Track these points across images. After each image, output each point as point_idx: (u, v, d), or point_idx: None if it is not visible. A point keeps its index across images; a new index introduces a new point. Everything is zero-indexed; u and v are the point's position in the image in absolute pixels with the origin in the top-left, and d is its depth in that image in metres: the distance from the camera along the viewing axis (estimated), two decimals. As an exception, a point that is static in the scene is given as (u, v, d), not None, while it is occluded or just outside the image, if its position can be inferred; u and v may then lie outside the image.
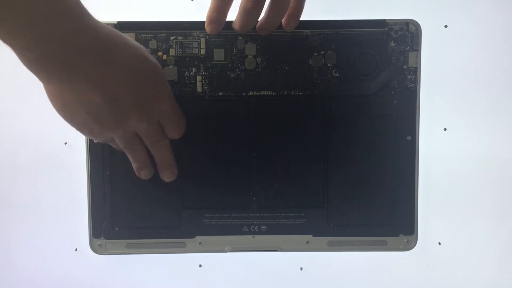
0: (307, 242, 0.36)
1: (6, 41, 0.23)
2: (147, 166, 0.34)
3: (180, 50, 0.35)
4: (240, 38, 0.35)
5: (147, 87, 0.29)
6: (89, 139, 0.35)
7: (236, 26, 0.33)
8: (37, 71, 0.26)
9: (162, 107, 0.31)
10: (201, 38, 0.35)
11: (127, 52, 0.28)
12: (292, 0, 0.32)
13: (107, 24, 0.34)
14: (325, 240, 0.36)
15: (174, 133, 0.33)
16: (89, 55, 0.26)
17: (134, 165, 0.34)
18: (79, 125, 0.29)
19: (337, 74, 0.35)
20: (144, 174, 0.34)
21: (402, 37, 0.35)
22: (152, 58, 0.31)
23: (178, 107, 0.33)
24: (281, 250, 0.37)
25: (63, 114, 0.28)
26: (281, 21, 0.33)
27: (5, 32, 0.23)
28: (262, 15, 0.32)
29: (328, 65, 0.35)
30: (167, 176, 0.35)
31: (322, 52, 0.35)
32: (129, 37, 0.30)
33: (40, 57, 0.24)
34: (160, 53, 0.35)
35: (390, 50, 0.35)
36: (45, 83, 0.27)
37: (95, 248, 0.36)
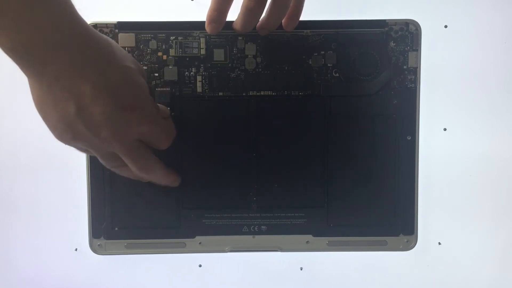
0: (307, 242, 0.36)
1: None
2: (139, 178, 0.33)
3: (180, 50, 0.35)
4: (240, 38, 0.35)
5: (125, 110, 0.27)
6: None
7: (237, 26, 0.32)
8: (20, 65, 0.25)
9: (140, 129, 0.29)
10: (201, 38, 0.35)
11: (113, 72, 0.27)
12: (293, 0, 0.32)
13: (108, 23, 0.34)
14: (325, 240, 0.36)
15: (159, 146, 0.32)
16: (72, 67, 0.25)
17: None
18: (51, 126, 0.28)
19: (337, 74, 0.35)
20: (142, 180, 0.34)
21: (402, 37, 0.35)
22: (140, 80, 0.29)
23: (166, 122, 0.32)
24: (281, 250, 0.37)
25: (38, 110, 0.27)
26: (281, 21, 0.33)
27: None
28: (263, 15, 0.32)
29: (328, 65, 0.35)
30: (171, 184, 0.34)
31: (322, 52, 0.35)
32: (127, 54, 0.29)
33: (23, 56, 0.24)
34: (160, 53, 0.35)
35: (390, 50, 0.35)
36: (27, 76, 0.26)
37: (95, 248, 0.36)
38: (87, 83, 0.25)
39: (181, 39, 0.35)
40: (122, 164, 0.31)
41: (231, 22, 0.33)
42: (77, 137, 0.27)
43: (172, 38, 0.35)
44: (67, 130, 0.27)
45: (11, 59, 0.24)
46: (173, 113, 0.35)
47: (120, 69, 0.27)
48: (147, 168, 0.32)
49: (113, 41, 0.29)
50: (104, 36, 0.28)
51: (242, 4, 0.31)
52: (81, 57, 0.25)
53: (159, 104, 0.33)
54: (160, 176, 0.33)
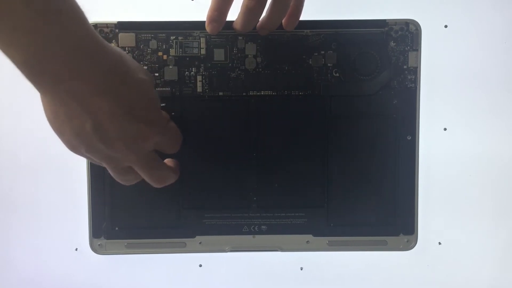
0: (307, 242, 0.36)
1: (3, 51, 0.23)
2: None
3: (180, 50, 0.35)
4: (240, 38, 0.35)
5: (141, 124, 0.27)
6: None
7: (237, 26, 0.32)
8: (33, 81, 0.24)
9: (154, 141, 0.29)
10: (201, 38, 0.35)
11: (129, 88, 0.26)
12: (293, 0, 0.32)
13: (108, 23, 0.34)
14: (325, 240, 0.36)
15: (171, 152, 0.33)
16: (89, 84, 0.24)
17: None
18: (65, 141, 0.27)
19: (337, 74, 0.35)
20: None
21: (402, 37, 0.35)
22: (153, 92, 0.29)
23: (172, 128, 0.32)
24: (281, 250, 0.37)
25: (51, 124, 0.27)
26: (281, 21, 0.33)
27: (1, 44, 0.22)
28: (263, 14, 0.32)
29: (328, 65, 0.35)
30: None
31: (322, 52, 0.35)
32: (139, 66, 0.29)
33: (37, 72, 0.23)
34: (160, 53, 0.35)
35: (390, 50, 0.35)
36: (40, 92, 0.26)
37: (95, 248, 0.36)
38: (103, 100, 0.25)
39: (181, 39, 0.35)
40: (135, 178, 0.31)
41: (231, 22, 0.33)
42: (91, 150, 0.27)
43: (172, 38, 0.35)
44: (82, 145, 0.27)
45: (24, 75, 0.24)
46: (173, 113, 0.35)
47: (135, 83, 0.27)
48: (162, 179, 0.32)
49: (125, 54, 0.28)
50: (117, 49, 0.27)
51: (242, 3, 0.31)
52: (98, 74, 0.24)
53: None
54: (171, 182, 0.33)
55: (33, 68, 0.23)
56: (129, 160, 0.29)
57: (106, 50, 0.25)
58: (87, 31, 0.24)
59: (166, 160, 0.34)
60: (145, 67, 0.35)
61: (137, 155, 0.28)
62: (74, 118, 0.25)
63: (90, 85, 0.24)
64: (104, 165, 0.29)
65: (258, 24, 0.33)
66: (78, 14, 0.24)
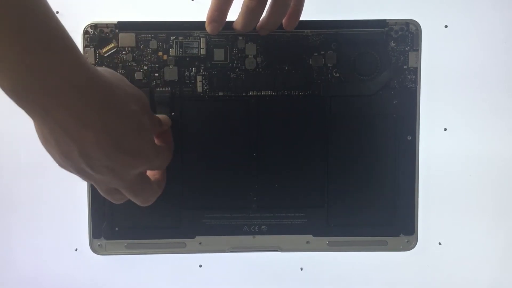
0: (307, 242, 0.36)
1: None
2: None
3: (180, 50, 0.35)
4: (240, 38, 0.35)
5: (128, 155, 0.27)
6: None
7: (238, 26, 0.32)
8: (21, 107, 0.24)
9: (142, 168, 0.30)
10: (201, 38, 0.35)
11: (116, 121, 0.26)
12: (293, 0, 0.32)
13: (108, 23, 0.34)
14: (325, 240, 0.36)
15: (158, 169, 0.33)
16: (74, 116, 0.24)
17: None
18: (55, 160, 0.28)
19: (337, 74, 0.35)
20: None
21: (402, 37, 0.35)
22: (143, 123, 0.28)
23: (163, 153, 0.32)
24: (281, 250, 0.37)
25: (42, 144, 0.27)
26: (282, 21, 0.33)
27: None
28: (263, 14, 0.32)
29: (328, 65, 0.35)
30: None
31: (322, 52, 0.35)
32: (132, 93, 0.28)
33: (23, 100, 0.23)
34: (160, 53, 0.35)
35: (390, 50, 0.35)
36: (30, 116, 0.26)
37: (95, 249, 0.36)
38: (89, 131, 0.25)
39: (181, 39, 0.35)
40: (124, 197, 0.31)
41: (231, 22, 0.33)
42: (79, 173, 0.28)
43: (172, 38, 0.35)
44: (71, 167, 0.27)
45: (13, 100, 0.24)
46: (173, 113, 0.35)
47: (124, 115, 0.27)
48: (149, 200, 0.32)
49: (117, 83, 0.27)
50: (108, 80, 0.26)
51: (243, 3, 0.31)
52: (84, 106, 0.24)
53: (159, 115, 0.33)
54: (159, 192, 0.34)
55: (20, 96, 0.23)
56: (116, 184, 0.29)
57: (96, 83, 0.25)
58: (77, 62, 0.24)
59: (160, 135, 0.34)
60: (145, 67, 0.35)
61: (124, 181, 0.29)
62: (62, 144, 0.25)
63: (77, 117, 0.24)
64: (94, 185, 0.30)
65: (258, 24, 0.33)
66: (69, 48, 0.23)
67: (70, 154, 0.26)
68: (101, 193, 0.31)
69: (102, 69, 0.28)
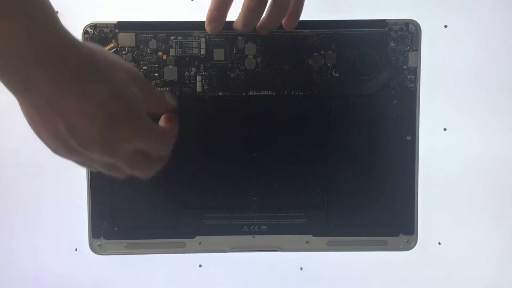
0: (307, 242, 0.36)
1: None
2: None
3: (180, 50, 0.35)
4: (240, 38, 0.35)
5: (115, 125, 0.26)
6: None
7: (238, 26, 0.32)
8: (4, 83, 0.24)
9: (134, 143, 0.28)
10: (201, 38, 0.35)
11: (99, 87, 0.26)
12: None
13: (108, 23, 0.34)
14: (325, 240, 0.36)
15: (158, 153, 0.31)
16: (56, 85, 0.24)
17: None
18: (46, 143, 0.27)
19: (337, 74, 0.35)
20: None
21: (402, 37, 0.35)
22: (131, 93, 0.27)
23: (159, 131, 0.31)
24: (281, 250, 0.37)
25: (31, 127, 0.27)
26: (282, 21, 0.33)
27: None
28: (263, 14, 0.32)
29: (328, 65, 0.35)
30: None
31: (322, 52, 0.35)
32: (119, 63, 0.28)
33: (5, 74, 0.24)
34: (160, 53, 0.35)
35: (390, 50, 0.35)
36: (15, 96, 0.26)
37: (95, 248, 0.36)
38: (71, 99, 0.25)
39: (181, 39, 0.35)
40: (124, 172, 0.31)
41: (231, 22, 0.33)
42: (72, 153, 0.27)
43: (172, 38, 0.35)
44: (62, 147, 0.27)
45: None
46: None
47: (108, 83, 0.26)
48: (149, 173, 0.31)
49: (102, 50, 0.27)
50: (92, 45, 0.26)
51: (243, 3, 0.31)
52: (64, 74, 0.24)
53: (166, 94, 0.33)
54: (159, 167, 0.32)
55: (0, 71, 0.23)
56: (110, 161, 0.28)
57: (76, 52, 0.25)
58: (55, 30, 0.24)
59: (163, 117, 0.33)
60: (145, 67, 0.35)
61: (117, 158, 0.28)
62: (48, 121, 0.25)
63: (57, 85, 0.24)
64: (91, 165, 0.29)
65: (258, 24, 0.33)
66: (49, 17, 0.24)
67: (58, 131, 0.25)
68: (102, 171, 0.30)
69: (90, 44, 0.28)
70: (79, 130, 0.25)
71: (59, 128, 0.25)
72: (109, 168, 0.30)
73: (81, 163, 0.29)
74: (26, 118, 0.26)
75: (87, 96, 0.25)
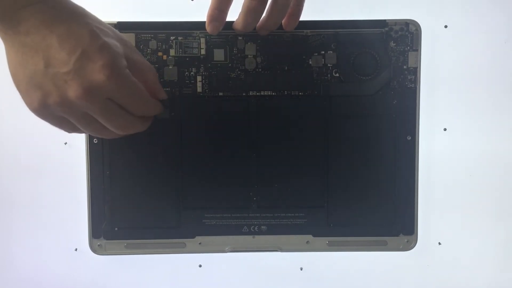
0: (307, 242, 0.36)
1: None
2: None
3: (180, 50, 0.35)
4: (240, 38, 0.35)
5: (90, 60, 0.27)
6: (89, 140, 0.35)
7: (238, 26, 0.32)
8: None
9: (107, 87, 0.28)
10: (201, 38, 0.35)
11: (81, 28, 0.27)
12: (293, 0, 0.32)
13: (108, 23, 0.34)
14: (325, 240, 0.36)
15: (131, 110, 0.31)
16: (43, 22, 0.26)
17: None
18: (23, 92, 0.28)
19: (337, 74, 0.35)
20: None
21: (402, 37, 0.35)
22: (110, 41, 0.28)
23: (137, 85, 0.30)
24: (281, 250, 0.37)
25: (12, 77, 0.28)
26: (282, 21, 0.33)
27: None
28: (263, 15, 0.32)
29: (328, 65, 0.35)
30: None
31: (322, 52, 0.35)
32: (102, 22, 0.29)
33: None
34: (160, 53, 0.35)
35: (390, 50, 0.35)
36: (4, 41, 0.28)
37: (95, 249, 0.36)
38: (53, 36, 0.27)
39: (181, 39, 0.35)
40: (100, 126, 0.30)
41: (231, 22, 0.33)
42: (48, 100, 0.28)
43: (172, 38, 0.35)
44: (37, 92, 0.27)
45: None
46: (173, 113, 0.35)
47: (90, 26, 0.28)
48: (124, 127, 0.31)
49: (90, 13, 0.29)
50: (80, 6, 0.29)
51: (244, 3, 0.31)
52: (51, 12, 0.27)
53: (152, 68, 0.32)
54: (140, 127, 0.32)
55: None
56: (84, 106, 0.28)
57: (67, 2, 0.28)
58: None
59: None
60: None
61: (90, 100, 0.28)
62: (29, 61, 0.27)
63: (44, 23, 0.27)
64: (68, 119, 0.29)
65: (258, 24, 0.33)
66: None
67: (36, 70, 0.27)
68: (77, 125, 0.30)
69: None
70: (55, 66, 0.27)
71: (37, 67, 0.27)
72: (85, 121, 0.30)
73: (57, 118, 0.29)
74: (10, 67, 0.28)
75: (69, 36, 0.27)
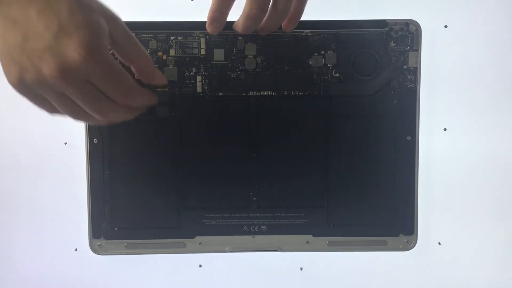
0: (307, 242, 0.36)
1: None
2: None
3: (180, 50, 0.35)
4: (240, 38, 0.35)
5: (67, 35, 0.26)
6: (89, 140, 0.35)
7: (238, 28, 0.32)
8: None
9: (84, 66, 0.27)
10: (201, 38, 0.35)
11: (61, 4, 0.26)
12: (294, 3, 0.32)
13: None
14: (325, 240, 0.36)
15: (113, 95, 0.29)
16: None
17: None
18: (3, 65, 0.28)
19: (337, 74, 0.35)
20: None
21: (402, 37, 0.35)
22: (93, 18, 0.27)
23: (109, 61, 0.28)
24: (281, 250, 0.37)
25: None
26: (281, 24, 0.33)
27: None
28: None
29: (328, 65, 0.35)
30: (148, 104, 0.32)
31: (322, 52, 0.35)
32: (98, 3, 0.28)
33: None
34: (160, 53, 0.35)
35: (390, 50, 0.35)
36: None
37: (95, 248, 0.36)
38: (32, 8, 0.26)
39: (181, 39, 0.35)
40: (80, 109, 0.29)
41: (232, 22, 0.33)
42: (25, 76, 0.27)
43: (172, 38, 0.35)
44: (15, 66, 0.27)
45: None
46: (173, 113, 0.35)
47: (71, 1, 0.27)
48: (103, 112, 0.29)
49: None
50: None
51: (244, 10, 0.31)
52: None
53: (141, 46, 0.31)
54: (124, 115, 0.31)
55: None
56: (59, 86, 0.27)
57: None
58: None
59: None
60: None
61: (66, 80, 0.27)
62: (9, 34, 0.26)
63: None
64: (46, 97, 0.28)
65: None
66: None
67: (14, 43, 0.26)
68: (55, 105, 0.29)
69: None
70: (32, 41, 0.26)
71: (17, 39, 0.26)
72: (62, 102, 0.29)
73: (36, 96, 0.29)
74: None
75: (48, 9, 0.26)
